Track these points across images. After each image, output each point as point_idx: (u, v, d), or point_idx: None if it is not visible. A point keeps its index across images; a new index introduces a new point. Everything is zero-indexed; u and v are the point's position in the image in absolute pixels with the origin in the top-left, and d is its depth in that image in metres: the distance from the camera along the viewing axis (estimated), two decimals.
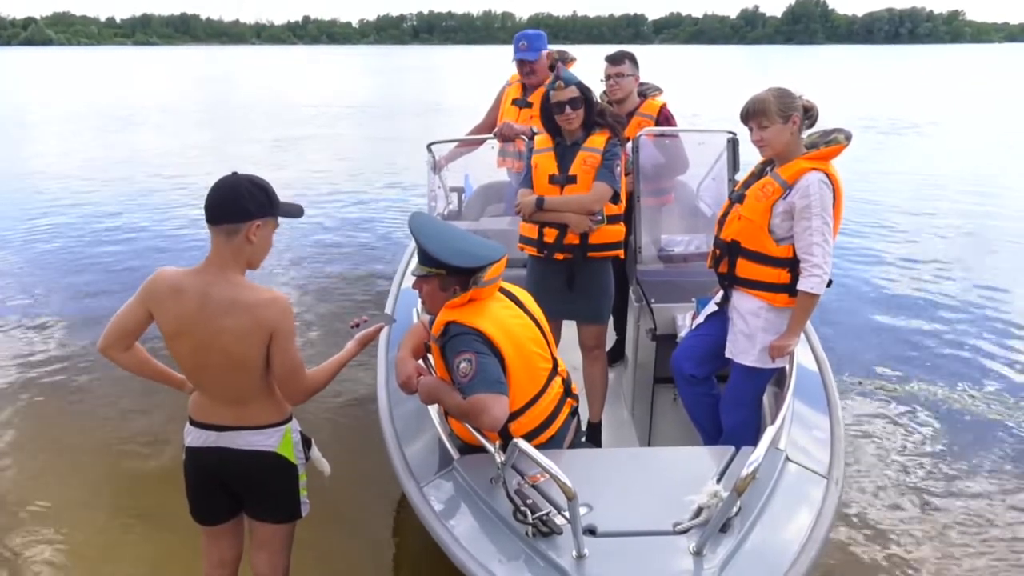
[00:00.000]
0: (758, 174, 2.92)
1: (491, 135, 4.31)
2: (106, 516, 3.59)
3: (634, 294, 3.77)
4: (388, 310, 3.76)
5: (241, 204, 2.10)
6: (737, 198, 2.95)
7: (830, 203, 2.73)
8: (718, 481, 2.10)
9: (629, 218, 3.79)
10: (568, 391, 2.58)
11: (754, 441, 2.36)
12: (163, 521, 3.39)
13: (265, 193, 2.14)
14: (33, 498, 3.72)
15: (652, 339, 3.47)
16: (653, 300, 3.54)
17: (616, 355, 4.35)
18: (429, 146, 4.63)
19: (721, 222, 3.01)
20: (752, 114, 2.81)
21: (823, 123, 2.89)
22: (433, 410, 2.69)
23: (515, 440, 2.01)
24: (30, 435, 4.38)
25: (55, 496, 3.74)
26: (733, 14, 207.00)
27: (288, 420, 2.33)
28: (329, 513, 3.39)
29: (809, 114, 2.81)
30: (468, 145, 4.75)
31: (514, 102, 4.35)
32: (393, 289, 4.03)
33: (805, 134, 2.86)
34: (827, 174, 2.74)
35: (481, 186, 5.13)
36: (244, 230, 2.11)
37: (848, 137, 2.78)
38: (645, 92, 4.18)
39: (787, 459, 2.38)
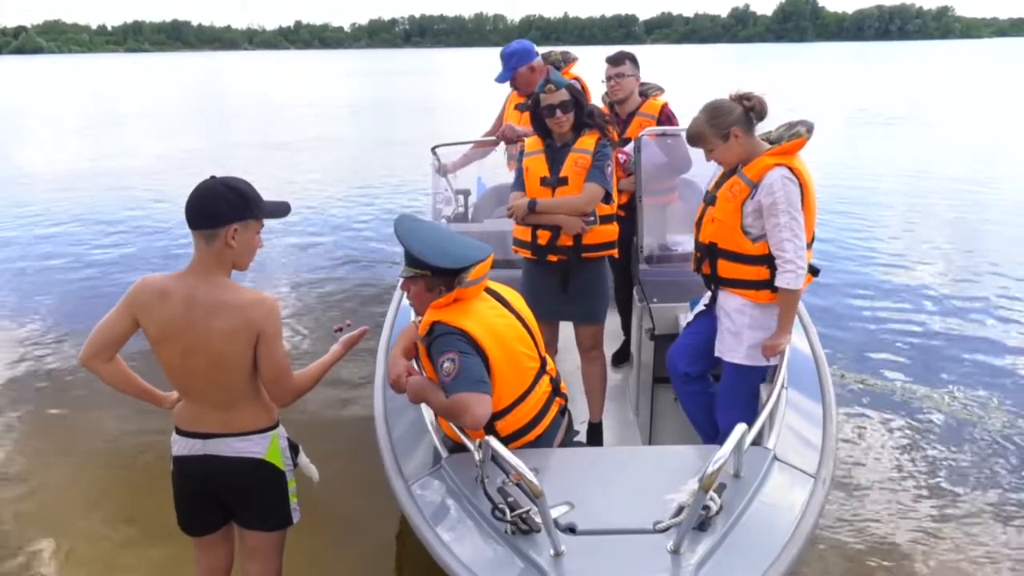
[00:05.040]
0: (728, 173, 2.92)
1: (494, 138, 4.34)
2: (100, 524, 3.57)
3: (636, 294, 3.78)
4: (391, 311, 3.77)
5: (216, 209, 2.08)
6: (710, 200, 2.95)
7: (796, 198, 2.72)
8: (700, 480, 2.10)
9: (634, 218, 3.80)
10: (557, 390, 2.58)
11: (754, 439, 2.36)
12: (157, 528, 3.36)
13: (241, 195, 2.11)
14: (27, 505, 3.71)
15: (651, 339, 3.47)
16: (654, 300, 3.54)
17: (624, 356, 4.36)
18: (433, 149, 4.63)
19: (698, 224, 3.02)
20: (692, 142, 2.87)
21: (814, 119, 2.88)
22: (426, 410, 2.69)
23: (487, 438, 2.03)
24: (23, 443, 4.35)
25: (49, 503, 3.73)
26: (724, 13, 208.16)
27: (275, 426, 2.31)
28: (323, 517, 3.38)
29: (755, 111, 2.78)
30: (476, 149, 4.77)
31: (517, 107, 4.35)
32: (397, 290, 4.04)
33: (773, 126, 2.85)
34: (791, 168, 2.73)
35: (491, 188, 5.16)
36: (222, 234, 2.09)
37: (810, 130, 2.77)
38: (646, 92, 4.18)
39: (775, 458, 2.37)
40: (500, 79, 4.22)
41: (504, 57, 4.16)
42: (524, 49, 4.18)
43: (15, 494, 3.82)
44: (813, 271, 2.89)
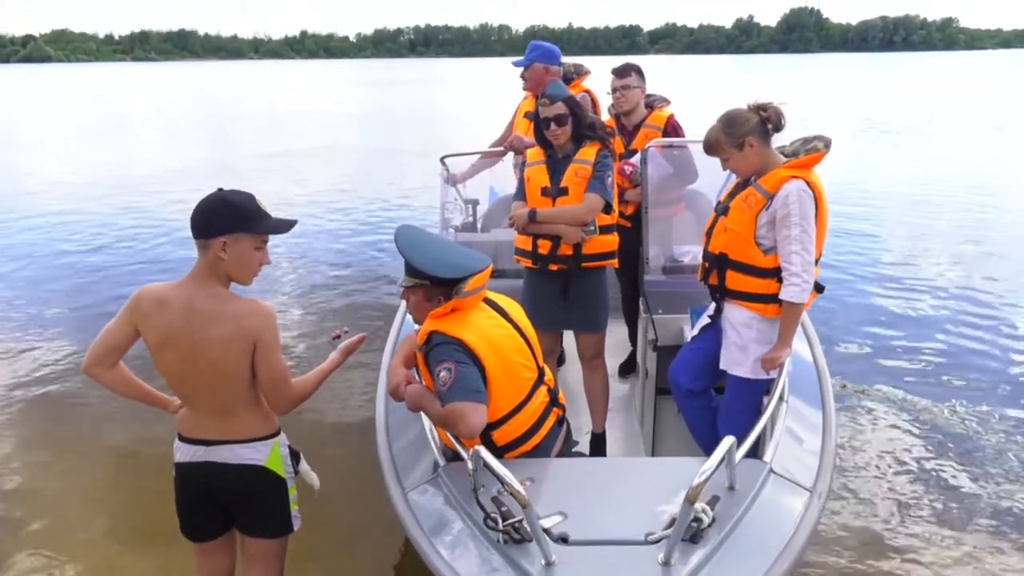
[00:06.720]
0: (742, 184, 2.92)
1: (502, 148, 4.38)
2: (102, 529, 3.59)
3: (642, 305, 3.79)
4: (396, 321, 3.79)
5: (207, 221, 2.13)
6: (722, 210, 2.95)
7: (811, 212, 2.72)
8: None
9: (640, 229, 3.81)
10: (555, 400, 2.59)
11: (751, 452, 2.36)
12: (159, 534, 3.37)
13: (234, 209, 2.14)
14: (30, 512, 3.72)
15: (654, 350, 3.47)
16: (659, 311, 3.55)
17: (631, 366, 4.36)
18: (443, 159, 4.65)
19: (708, 234, 3.01)
20: (708, 151, 2.89)
21: (818, 129, 2.89)
22: (427, 419, 2.70)
23: (476, 448, 2.04)
24: (27, 450, 4.37)
25: (51, 510, 3.74)
26: (728, 24, 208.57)
27: (276, 434, 2.33)
28: (325, 524, 3.38)
29: (771, 121, 2.79)
30: (484, 159, 4.80)
31: (526, 115, 4.38)
32: (402, 301, 4.06)
33: (787, 140, 2.87)
34: (808, 182, 2.73)
35: (500, 198, 5.16)
36: (213, 246, 2.13)
37: (827, 145, 2.78)
38: (652, 103, 4.20)
39: (771, 471, 2.36)
40: (517, 63, 4.35)
41: (531, 46, 4.29)
42: (550, 50, 4.30)
43: (18, 500, 3.84)
44: (818, 288, 2.87)
